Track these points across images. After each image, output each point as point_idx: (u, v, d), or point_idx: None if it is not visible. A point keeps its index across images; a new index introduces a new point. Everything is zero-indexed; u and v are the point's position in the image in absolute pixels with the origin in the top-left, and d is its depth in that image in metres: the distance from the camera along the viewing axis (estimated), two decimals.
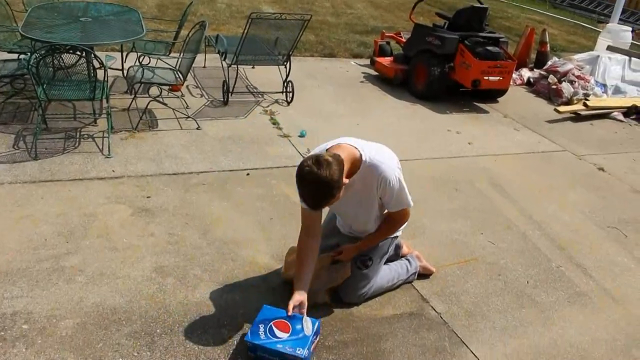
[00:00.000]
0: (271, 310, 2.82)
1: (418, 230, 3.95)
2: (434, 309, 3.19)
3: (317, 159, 2.50)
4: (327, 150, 2.72)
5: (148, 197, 3.92)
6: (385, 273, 3.20)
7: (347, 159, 2.64)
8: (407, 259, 3.37)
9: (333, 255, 3.12)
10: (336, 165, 2.52)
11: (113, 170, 4.21)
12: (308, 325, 2.74)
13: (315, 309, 3.03)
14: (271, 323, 2.74)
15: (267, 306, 2.86)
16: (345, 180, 2.60)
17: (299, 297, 2.79)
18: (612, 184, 5.16)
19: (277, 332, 2.70)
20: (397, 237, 3.22)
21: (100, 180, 4.08)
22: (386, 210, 3.01)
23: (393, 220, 3.03)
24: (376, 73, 7.42)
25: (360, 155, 2.72)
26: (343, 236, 3.22)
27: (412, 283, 3.37)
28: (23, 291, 2.91)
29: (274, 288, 3.17)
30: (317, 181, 2.48)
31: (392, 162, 2.82)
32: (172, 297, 3.01)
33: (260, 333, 2.69)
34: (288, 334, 2.69)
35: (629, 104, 7.18)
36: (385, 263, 3.24)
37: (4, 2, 5.47)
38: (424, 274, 3.43)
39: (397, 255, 3.42)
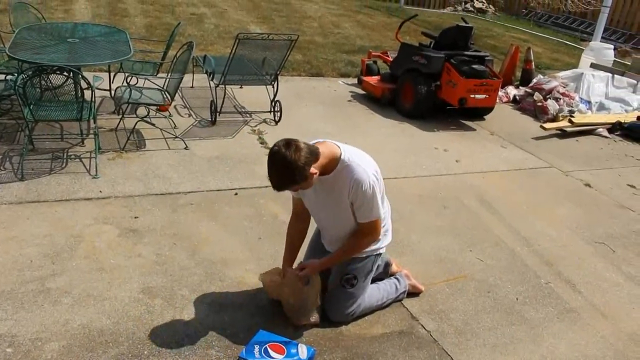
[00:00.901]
0: (267, 335, 2.82)
1: (406, 247, 3.95)
2: (424, 327, 3.18)
3: (288, 142, 2.58)
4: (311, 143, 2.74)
5: (135, 218, 3.90)
6: (374, 292, 3.19)
7: (326, 154, 2.69)
8: (396, 278, 3.36)
9: (297, 274, 3.02)
10: (307, 153, 2.57)
11: (100, 191, 4.19)
12: (303, 350, 2.74)
13: (304, 328, 3.02)
14: (267, 345, 2.73)
15: (263, 331, 2.85)
16: (314, 171, 2.62)
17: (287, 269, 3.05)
18: (598, 199, 5.21)
19: (271, 352, 2.69)
20: (380, 254, 3.17)
21: (87, 200, 4.05)
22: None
23: (361, 234, 2.93)
24: (364, 92, 7.46)
25: (340, 154, 2.74)
26: (327, 253, 3.20)
27: (402, 301, 3.36)
28: (7, 314, 2.87)
29: (263, 307, 3.15)
30: (281, 162, 2.54)
31: (370, 168, 2.81)
32: (159, 318, 2.98)
33: (255, 352, 2.68)
34: (283, 356, 2.68)
35: (614, 121, 7.27)
36: (374, 282, 3.23)
37: None
38: (413, 293, 3.42)
39: (386, 273, 3.41)
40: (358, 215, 2.86)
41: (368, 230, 2.92)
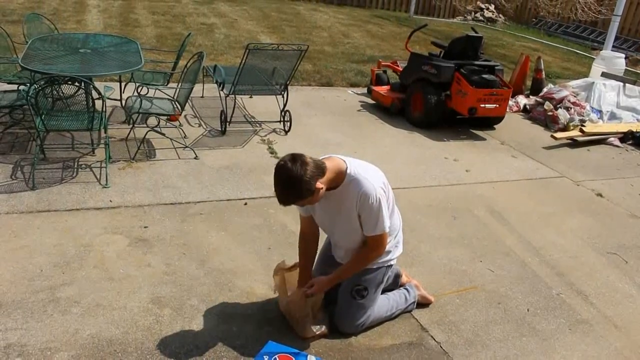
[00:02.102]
0: (276, 346, 2.81)
1: (416, 258, 3.93)
2: (434, 339, 3.15)
3: (294, 156, 2.58)
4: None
5: (145, 227, 3.91)
6: (384, 303, 3.17)
7: (332, 169, 2.69)
8: (405, 289, 3.34)
9: (305, 291, 3.03)
10: (313, 168, 2.57)
11: (110, 200, 4.21)
12: None
13: (313, 339, 3.00)
14: (276, 355, 2.72)
15: (272, 342, 2.84)
16: (320, 185, 2.61)
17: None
18: (610, 209, 5.16)
19: None
20: (391, 265, 3.15)
21: (97, 210, 4.07)
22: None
23: (367, 248, 2.93)
24: (373, 102, 7.46)
25: (346, 168, 2.74)
26: (338, 265, 3.19)
27: (411, 312, 3.34)
28: (17, 323, 2.88)
29: (272, 318, 3.14)
30: (287, 176, 2.55)
31: (377, 181, 2.79)
32: (168, 328, 2.98)
33: None
34: None
35: (625, 130, 7.23)
36: (384, 292, 3.21)
37: (5, 35, 5.53)
38: (422, 303, 3.39)
39: (396, 284, 3.39)
40: (365, 228, 2.84)
41: (374, 244, 2.90)
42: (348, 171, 2.74)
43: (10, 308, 2.98)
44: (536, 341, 3.23)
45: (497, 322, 3.36)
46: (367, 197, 2.71)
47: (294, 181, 2.55)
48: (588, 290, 3.80)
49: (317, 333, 3.02)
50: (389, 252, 3.07)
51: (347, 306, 3.07)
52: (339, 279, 3.04)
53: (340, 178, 2.73)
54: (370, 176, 2.78)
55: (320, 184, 2.62)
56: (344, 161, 2.77)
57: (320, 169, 2.63)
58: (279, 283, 3.17)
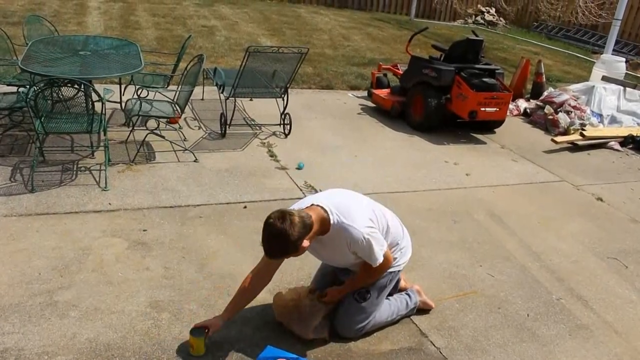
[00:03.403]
0: (275, 350, 2.79)
1: (416, 262, 3.91)
2: (433, 344, 3.14)
3: (283, 214, 2.65)
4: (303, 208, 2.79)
5: (144, 231, 3.89)
6: (385, 308, 3.16)
7: (317, 220, 2.75)
8: (407, 294, 3.33)
9: (319, 296, 3.10)
10: (300, 228, 2.64)
11: (109, 203, 4.19)
12: None
13: (312, 344, 2.99)
14: None
15: (271, 347, 2.82)
16: (306, 244, 2.69)
17: (215, 321, 2.87)
18: (610, 214, 5.15)
19: None
20: (398, 271, 3.18)
21: (96, 213, 4.06)
22: None
23: (373, 266, 2.96)
24: (373, 105, 7.46)
25: (329, 218, 2.78)
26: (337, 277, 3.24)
27: (411, 317, 3.33)
28: (15, 327, 2.87)
29: (271, 323, 3.13)
30: (275, 234, 2.63)
31: (361, 222, 2.81)
32: (167, 332, 2.97)
33: None
34: None
35: (626, 134, 7.21)
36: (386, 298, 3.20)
37: (5, 36, 5.53)
38: (423, 309, 3.38)
39: (395, 288, 3.38)
40: (364, 259, 2.90)
41: (380, 267, 2.95)
42: (331, 222, 2.78)
43: (7, 312, 2.96)
44: (536, 347, 3.21)
45: (497, 327, 3.35)
46: (356, 242, 2.78)
47: (281, 240, 2.63)
48: (588, 296, 3.78)
49: (320, 336, 3.01)
50: (395, 258, 3.11)
51: (348, 308, 3.07)
52: (349, 289, 3.09)
53: (327, 227, 2.79)
54: (355, 220, 2.79)
55: (306, 242, 2.70)
56: (326, 210, 2.79)
57: (308, 226, 2.69)
58: (278, 305, 3.15)
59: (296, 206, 2.88)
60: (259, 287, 2.99)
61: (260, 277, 2.97)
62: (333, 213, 2.79)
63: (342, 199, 2.93)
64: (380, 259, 2.88)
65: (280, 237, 2.62)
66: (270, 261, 2.90)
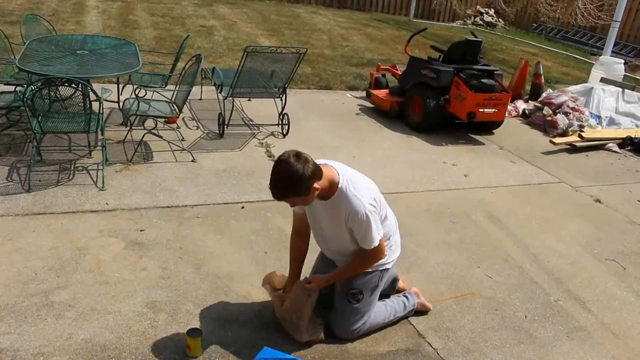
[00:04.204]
0: (272, 352, 2.78)
1: (414, 263, 3.91)
2: (431, 345, 3.13)
3: (298, 153, 2.62)
4: None
5: (141, 231, 3.88)
6: (382, 309, 3.15)
7: (327, 177, 2.71)
8: (405, 295, 3.31)
9: (304, 285, 3.02)
10: (313, 167, 2.61)
11: (107, 203, 4.18)
12: None
13: (309, 345, 2.98)
14: None
15: (268, 348, 2.81)
16: (317, 186, 2.64)
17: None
18: (609, 215, 5.14)
19: None
20: (387, 269, 3.12)
21: (93, 213, 4.05)
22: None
23: (365, 256, 2.92)
24: (372, 105, 7.45)
25: (338, 180, 2.75)
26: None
27: (408, 318, 3.32)
28: (10, 327, 2.85)
29: (268, 324, 3.12)
30: (288, 170, 2.57)
31: (367, 197, 2.78)
32: (163, 333, 2.95)
33: None
34: None
35: (624, 135, 7.21)
36: (382, 299, 3.19)
37: (2, 35, 5.51)
38: (421, 311, 3.37)
39: (393, 289, 3.38)
40: (358, 240, 2.86)
41: (371, 253, 2.90)
42: (340, 185, 2.74)
43: (3, 312, 2.95)
44: (533, 348, 3.21)
45: (495, 328, 3.34)
46: (356, 215, 2.73)
47: (293, 176, 2.57)
48: (586, 297, 3.78)
49: (313, 338, 3.00)
50: (385, 255, 3.04)
51: (342, 310, 3.05)
52: (336, 278, 3.04)
53: (333, 189, 2.75)
54: (361, 192, 2.77)
55: (317, 185, 2.64)
56: (338, 172, 2.77)
57: (319, 172, 2.66)
58: (270, 290, 3.15)
59: None
60: (305, 239, 3.13)
61: (299, 229, 3.10)
62: (344, 178, 2.76)
63: (353, 172, 2.89)
64: (376, 243, 2.81)
65: (292, 172, 2.55)
66: (296, 214, 3.01)
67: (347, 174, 2.81)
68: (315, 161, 2.76)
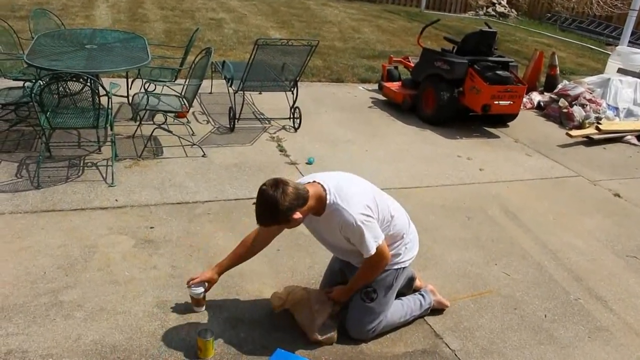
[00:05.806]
0: (285, 354, 2.71)
1: (429, 261, 3.82)
2: (448, 346, 3.04)
3: (277, 182, 2.61)
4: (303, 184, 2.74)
5: (151, 228, 3.82)
6: (397, 309, 3.06)
7: (314, 196, 2.69)
8: (420, 294, 3.22)
9: (326, 292, 3.06)
10: (293, 198, 2.59)
11: (116, 200, 4.12)
12: None
13: (323, 347, 2.90)
14: None
15: (281, 350, 2.74)
16: (298, 216, 2.63)
17: (211, 275, 3.01)
18: (629, 210, 5.01)
19: None
20: (403, 269, 3.03)
21: (102, 210, 3.99)
22: None
23: (369, 262, 2.85)
24: (384, 98, 7.34)
25: (326, 197, 2.71)
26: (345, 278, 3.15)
27: (425, 318, 3.23)
28: (19, 328, 2.80)
29: (281, 324, 3.04)
30: (266, 201, 2.59)
31: (357, 206, 2.70)
32: (174, 333, 2.89)
33: None
34: None
35: None
36: (397, 297, 3.10)
37: (11, 31, 5.46)
38: (437, 309, 3.28)
39: (409, 288, 3.29)
40: (357, 247, 2.80)
41: (372, 260, 2.82)
42: (327, 201, 2.70)
43: (12, 312, 2.90)
44: (554, 349, 3.11)
45: (514, 328, 3.25)
46: (348, 227, 2.69)
47: (271, 207, 2.58)
48: (607, 296, 3.67)
49: (324, 337, 2.92)
50: (399, 254, 2.97)
51: (357, 310, 2.98)
52: (353, 289, 3.00)
53: (322, 206, 2.72)
54: (350, 203, 2.70)
55: (298, 214, 2.63)
56: (324, 188, 2.72)
57: (302, 198, 2.63)
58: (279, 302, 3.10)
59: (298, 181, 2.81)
60: (258, 248, 3.04)
61: (260, 239, 3.02)
62: (331, 193, 2.72)
63: (345, 182, 2.83)
64: (372, 250, 2.75)
65: (271, 204, 2.57)
66: (265, 230, 2.92)
67: (334, 186, 2.74)
68: (301, 180, 2.78)
